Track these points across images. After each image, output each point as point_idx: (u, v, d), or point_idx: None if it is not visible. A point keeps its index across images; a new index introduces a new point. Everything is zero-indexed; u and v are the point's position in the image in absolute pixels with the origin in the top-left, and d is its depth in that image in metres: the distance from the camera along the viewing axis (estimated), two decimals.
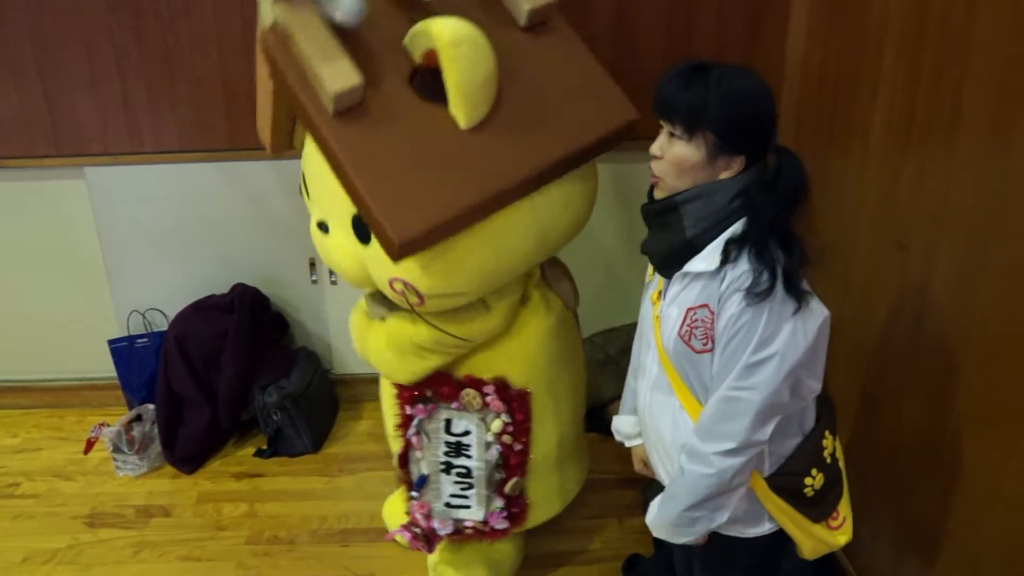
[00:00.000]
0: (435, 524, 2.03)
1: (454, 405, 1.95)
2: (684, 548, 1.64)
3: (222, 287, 2.82)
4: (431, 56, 1.63)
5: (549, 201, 1.76)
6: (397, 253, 1.58)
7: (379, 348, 1.94)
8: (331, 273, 2.85)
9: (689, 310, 1.38)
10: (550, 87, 1.76)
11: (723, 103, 1.30)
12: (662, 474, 1.57)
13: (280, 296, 2.90)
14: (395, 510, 2.37)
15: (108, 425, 2.67)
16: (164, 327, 2.82)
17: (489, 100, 1.67)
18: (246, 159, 2.69)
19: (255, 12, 2.50)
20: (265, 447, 2.77)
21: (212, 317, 2.73)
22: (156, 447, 2.71)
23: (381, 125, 1.64)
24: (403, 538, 2.07)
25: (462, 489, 2.02)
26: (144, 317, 2.88)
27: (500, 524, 2.03)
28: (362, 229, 1.71)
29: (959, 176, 1.54)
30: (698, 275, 1.37)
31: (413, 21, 1.68)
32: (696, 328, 1.38)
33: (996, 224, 1.44)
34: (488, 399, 1.93)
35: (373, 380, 2.98)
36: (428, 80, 1.66)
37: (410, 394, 1.96)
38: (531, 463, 2.01)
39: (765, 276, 1.30)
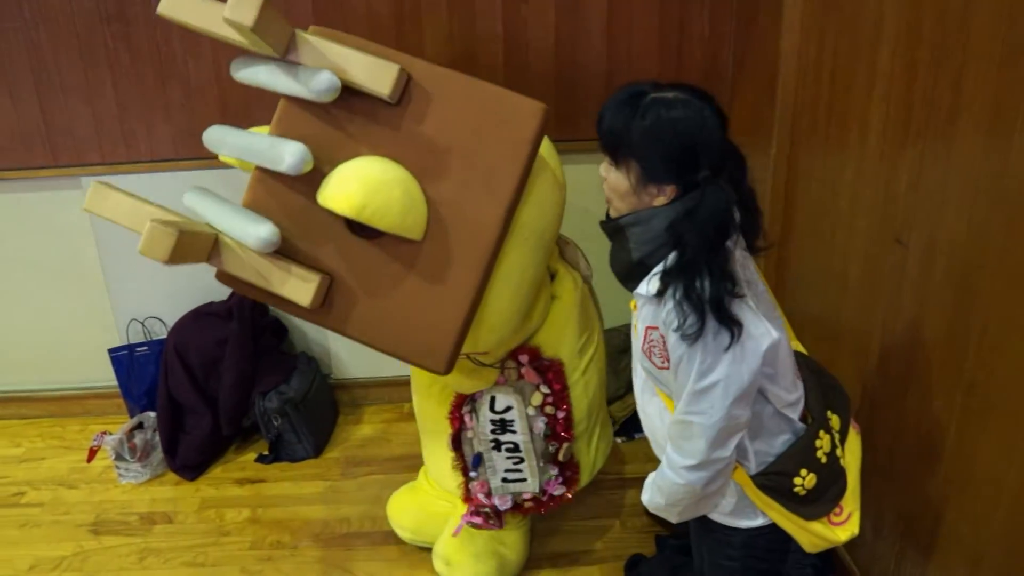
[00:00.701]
0: (496, 501, 2.08)
1: (498, 380, 2.00)
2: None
3: (221, 294, 2.82)
4: None
5: (529, 215, 1.78)
6: (447, 372, 1.71)
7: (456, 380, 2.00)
8: None
9: (648, 328, 1.42)
10: (458, 138, 1.69)
11: (644, 134, 1.32)
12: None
13: None
14: (401, 507, 2.37)
15: (110, 433, 2.68)
16: (163, 335, 2.82)
17: (421, 214, 1.67)
18: None
19: None
20: (266, 453, 2.78)
21: (211, 324, 2.74)
22: (158, 454, 2.72)
23: (358, 291, 1.72)
24: (473, 523, 2.12)
25: (515, 464, 2.07)
26: (143, 325, 2.88)
27: (558, 490, 2.09)
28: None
29: (958, 170, 1.53)
30: (648, 297, 1.40)
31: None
32: (654, 347, 1.42)
33: (996, 218, 1.43)
34: (523, 370, 1.98)
35: (373, 384, 3.01)
36: None
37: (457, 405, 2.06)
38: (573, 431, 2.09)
39: (692, 318, 1.30)
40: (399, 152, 1.69)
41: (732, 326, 1.31)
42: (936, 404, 1.64)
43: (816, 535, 1.51)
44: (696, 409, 1.36)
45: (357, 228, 1.71)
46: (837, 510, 1.51)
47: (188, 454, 2.71)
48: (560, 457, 2.06)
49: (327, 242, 1.72)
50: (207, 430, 2.71)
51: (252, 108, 2.63)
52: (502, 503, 2.10)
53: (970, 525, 1.56)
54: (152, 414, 2.76)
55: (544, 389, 2.00)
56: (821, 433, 1.49)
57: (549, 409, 2.02)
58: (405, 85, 1.69)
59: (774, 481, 1.45)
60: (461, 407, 2.05)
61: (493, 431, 2.05)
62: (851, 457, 1.58)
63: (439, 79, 1.70)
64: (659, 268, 1.38)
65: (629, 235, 1.40)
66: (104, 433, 2.68)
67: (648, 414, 1.58)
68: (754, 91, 2.46)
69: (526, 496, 2.10)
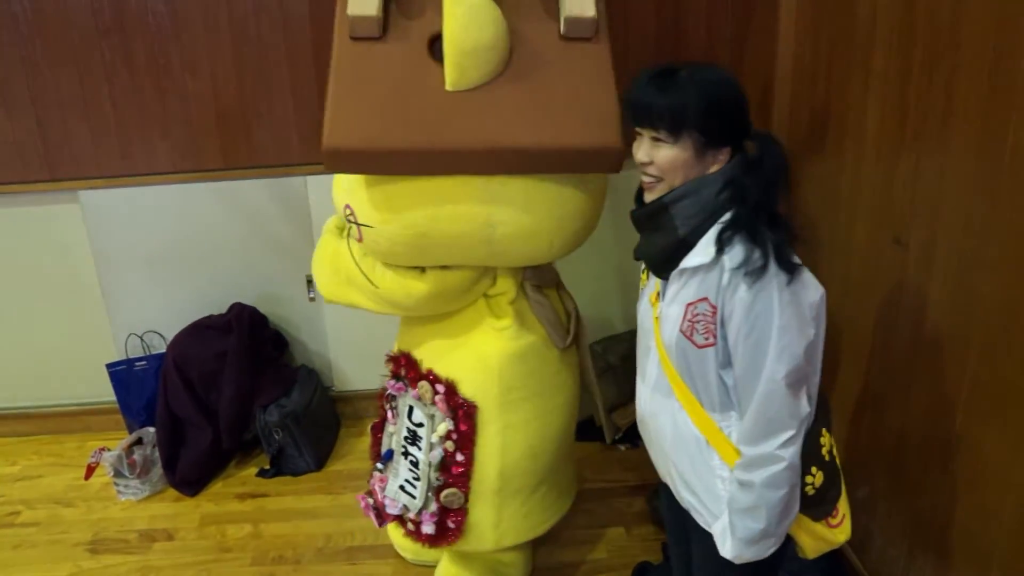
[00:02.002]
0: (386, 502, 2.03)
1: (413, 393, 1.97)
2: (682, 547, 1.65)
3: (220, 307, 2.81)
4: None
5: (507, 196, 1.71)
6: (324, 157, 1.64)
7: (323, 256, 1.99)
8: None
9: (688, 305, 1.39)
10: (553, 91, 1.73)
11: (701, 100, 1.34)
12: (663, 474, 1.58)
13: (278, 314, 2.89)
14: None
15: (108, 450, 2.65)
16: (162, 349, 2.81)
17: (477, 69, 1.67)
18: (240, 178, 2.69)
19: (244, 30, 2.53)
20: (268, 467, 2.76)
21: (211, 338, 2.72)
22: (158, 470, 2.70)
23: (381, 59, 1.71)
24: (363, 503, 2.10)
25: (413, 478, 2.00)
26: (142, 340, 2.87)
27: (427, 527, 2.00)
28: None
29: (954, 169, 1.54)
30: (695, 270, 1.38)
31: None
32: (697, 323, 1.38)
33: (993, 216, 1.44)
34: (437, 399, 1.92)
35: (374, 396, 2.98)
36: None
37: (395, 369, 2.02)
38: (471, 483, 1.97)
39: (757, 254, 1.31)
40: (519, 53, 1.74)
41: (790, 268, 1.32)
42: (940, 403, 1.64)
43: (820, 538, 1.50)
44: (781, 365, 1.32)
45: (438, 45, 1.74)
46: (834, 511, 1.50)
47: (188, 469, 2.68)
48: (442, 498, 1.97)
49: (409, 33, 1.77)
50: (207, 445, 2.68)
51: (250, 123, 2.64)
52: (391, 507, 2.03)
53: (979, 523, 1.55)
54: (151, 429, 2.73)
55: (449, 424, 1.92)
56: (824, 431, 1.48)
57: (450, 445, 1.93)
58: (581, 38, 1.80)
59: None
60: (384, 397, 2.06)
61: (406, 438, 2.01)
62: (837, 459, 1.57)
63: (597, 58, 1.79)
64: (707, 238, 1.37)
65: (674, 212, 1.38)
66: (103, 449, 2.65)
67: (657, 419, 1.52)
68: (751, 95, 2.46)
69: (411, 514, 2.02)
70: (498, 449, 1.94)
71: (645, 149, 1.40)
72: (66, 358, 2.94)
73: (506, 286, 1.93)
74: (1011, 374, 1.42)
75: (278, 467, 2.74)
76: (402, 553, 2.34)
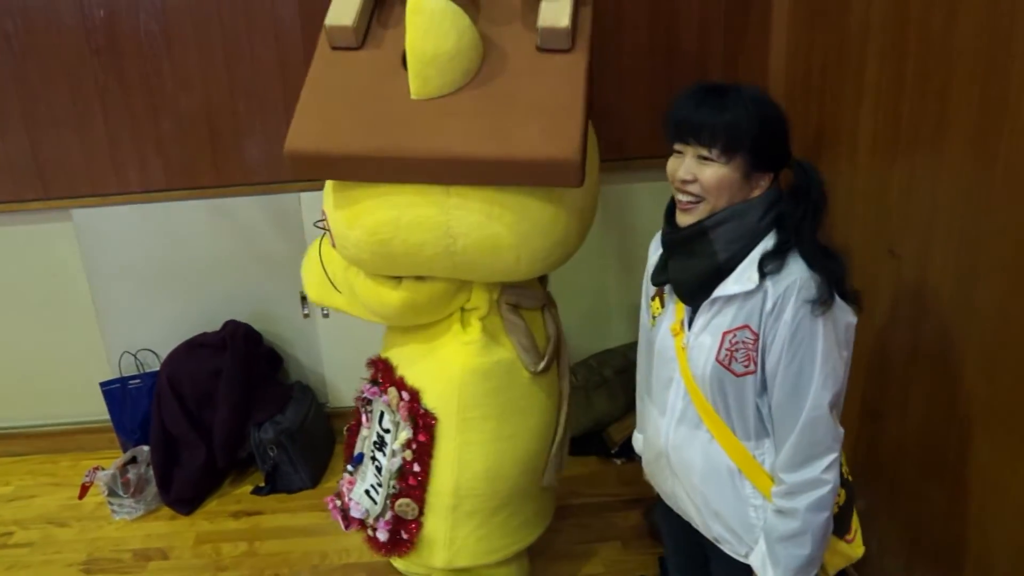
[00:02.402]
0: (352, 504, 2.04)
1: (384, 399, 1.98)
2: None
3: (214, 325, 2.80)
4: None
5: (466, 207, 1.68)
6: (286, 160, 1.69)
7: (312, 258, 2.02)
8: (323, 307, 2.83)
9: (726, 334, 1.36)
10: (516, 102, 1.69)
11: (756, 121, 1.32)
12: (689, 508, 1.52)
13: (272, 331, 2.88)
14: None
15: (103, 469, 2.64)
16: (156, 367, 2.79)
17: (440, 77, 1.66)
18: (233, 195, 2.69)
19: (237, 49, 2.54)
20: (263, 484, 2.74)
21: (204, 355, 2.71)
22: (152, 489, 2.68)
23: (354, 68, 1.74)
24: (330, 506, 2.11)
25: (376, 484, 2.00)
26: (136, 358, 2.86)
27: (381, 535, 2.00)
28: None
29: (948, 180, 1.55)
30: (731, 298, 1.35)
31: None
32: (737, 351, 1.36)
33: (987, 226, 1.44)
34: (401, 406, 1.93)
35: None
36: None
37: (373, 373, 2.03)
38: (426, 496, 1.96)
39: (824, 285, 1.30)
40: (489, 63, 1.76)
41: (847, 296, 1.34)
42: (937, 413, 1.64)
43: (840, 554, 1.49)
44: (826, 392, 1.32)
45: None
46: (849, 527, 1.50)
47: (183, 488, 2.67)
48: (396, 507, 1.97)
49: (384, 43, 1.81)
50: (202, 463, 2.67)
51: (243, 140, 2.64)
52: (355, 510, 2.02)
53: (977, 533, 1.55)
54: (146, 448, 2.72)
55: (409, 433, 1.92)
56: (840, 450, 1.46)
57: (408, 455, 1.93)
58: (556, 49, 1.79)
59: None
60: (360, 401, 2.08)
61: (375, 443, 2.02)
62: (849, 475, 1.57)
63: (570, 69, 1.77)
64: (744, 264, 1.35)
65: (715, 236, 1.35)
66: (96, 468, 2.64)
67: (683, 452, 1.48)
68: None
69: (370, 520, 2.03)
70: (454, 465, 1.92)
71: (688, 167, 1.36)
72: (59, 377, 2.93)
73: (479, 301, 1.91)
74: (1007, 384, 1.42)
75: (273, 484, 2.73)
76: (395, 564, 2.32)
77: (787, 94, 2.33)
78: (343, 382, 2.96)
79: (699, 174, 1.34)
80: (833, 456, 1.34)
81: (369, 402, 2.05)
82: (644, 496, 2.55)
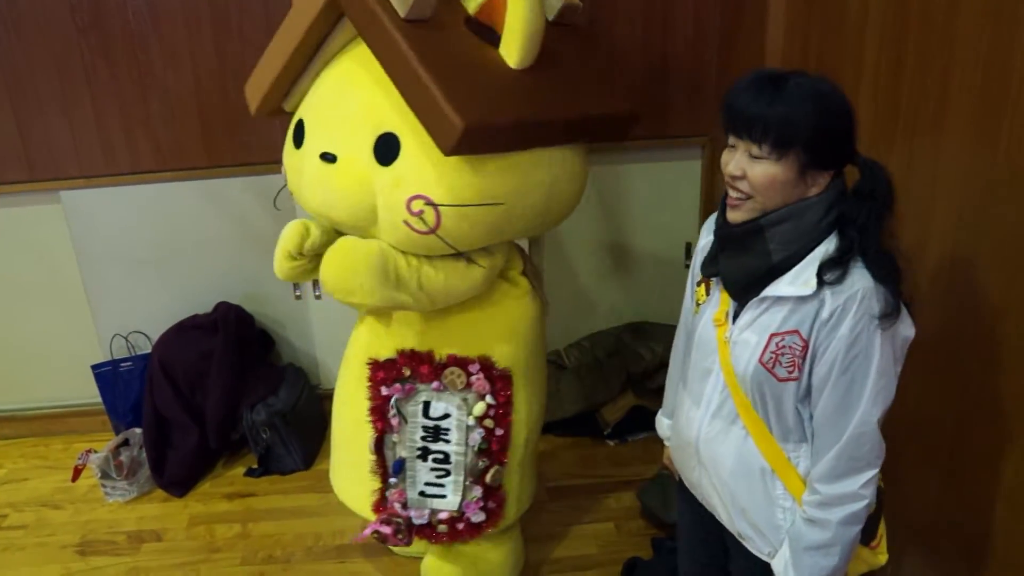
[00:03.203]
0: (412, 513, 1.98)
1: (434, 386, 1.92)
2: (713, 569, 1.62)
3: (205, 306, 2.78)
4: (486, 9, 1.73)
5: (564, 164, 1.82)
6: (458, 139, 1.57)
7: (361, 260, 1.75)
8: (315, 288, 2.82)
9: (773, 336, 1.30)
10: (570, 67, 1.84)
11: (813, 116, 1.22)
12: (715, 500, 1.48)
13: (264, 313, 2.87)
14: None
15: (95, 451, 2.63)
16: (148, 350, 2.78)
17: (537, 49, 1.71)
18: (224, 176, 2.67)
19: (226, 26, 2.50)
20: (256, 466, 2.74)
21: (196, 337, 2.70)
22: (145, 471, 2.68)
23: (444, 40, 1.71)
24: (380, 533, 1.98)
25: (438, 477, 1.97)
26: (127, 341, 2.84)
27: (476, 516, 1.98)
28: (387, 149, 1.71)
29: (948, 165, 1.54)
30: (782, 299, 1.29)
31: None
32: (783, 355, 1.30)
33: (987, 210, 1.43)
34: (473, 379, 1.90)
35: None
36: (476, 30, 1.76)
37: (387, 375, 1.93)
38: (507, 456, 1.98)
39: (890, 298, 1.23)
40: None
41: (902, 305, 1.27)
42: (933, 399, 1.64)
43: (863, 560, 1.47)
44: (876, 408, 1.28)
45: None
46: (876, 534, 1.47)
47: (176, 470, 2.67)
48: (488, 479, 1.96)
49: (443, 17, 1.78)
50: (194, 445, 2.67)
51: (232, 119, 2.61)
52: (418, 516, 1.97)
53: (972, 518, 1.56)
54: (138, 430, 2.71)
55: (490, 400, 1.91)
56: None
57: (489, 422, 1.92)
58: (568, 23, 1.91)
59: None
60: (384, 408, 1.94)
61: (424, 438, 1.95)
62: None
63: (585, 40, 1.98)
64: (800, 267, 1.27)
65: (770, 235, 1.28)
66: (89, 451, 2.63)
67: (715, 446, 1.43)
68: None
69: (442, 516, 1.98)
70: (525, 417, 2.00)
71: (738, 161, 1.27)
72: (50, 360, 2.91)
73: (516, 259, 2.01)
74: (1006, 370, 1.42)
75: (266, 466, 2.73)
76: (396, 549, 2.33)
77: None
78: (335, 364, 2.93)
79: (749, 171, 1.26)
80: (873, 472, 1.30)
81: (399, 404, 1.95)
82: (637, 477, 2.56)
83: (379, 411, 1.95)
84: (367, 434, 1.99)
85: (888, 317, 1.23)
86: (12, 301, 2.83)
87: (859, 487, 1.30)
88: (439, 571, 2.15)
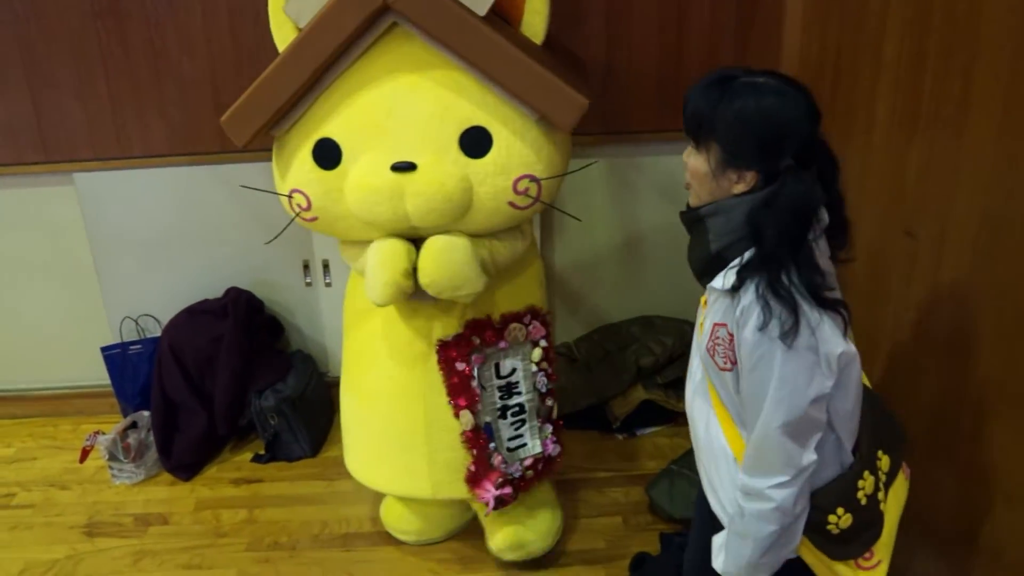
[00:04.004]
0: (514, 468, 2.08)
1: (501, 345, 2.02)
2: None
3: (215, 291, 2.78)
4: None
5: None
6: (577, 117, 1.75)
7: (461, 254, 1.84)
8: (325, 274, 2.82)
9: (715, 325, 1.36)
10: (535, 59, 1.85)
11: (730, 115, 1.27)
12: (702, 476, 1.52)
13: (274, 299, 2.87)
14: (395, 513, 2.34)
15: (103, 433, 2.64)
16: (157, 333, 2.78)
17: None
18: (237, 161, 2.65)
19: (242, 12, 2.49)
20: (263, 452, 2.74)
21: (206, 322, 2.70)
22: (152, 455, 2.68)
23: (505, 30, 1.80)
24: (504, 496, 2.06)
25: (516, 429, 2.09)
26: (137, 323, 2.84)
27: (554, 450, 2.12)
28: (475, 143, 1.79)
29: (970, 159, 1.51)
30: (719, 291, 1.34)
31: None
32: (718, 346, 1.35)
33: (1011, 205, 1.41)
34: (530, 328, 2.04)
35: None
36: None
37: (459, 352, 1.98)
38: None
39: (783, 314, 1.24)
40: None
41: (838, 307, 1.30)
42: (950, 397, 1.62)
43: (837, 575, 1.45)
44: (778, 415, 1.28)
45: None
46: (867, 555, 1.45)
47: (183, 454, 2.67)
48: (554, 414, 2.12)
49: None
50: (202, 429, 2.67)
51: None
52: (516, 468, 2.08)
53: (988, 518, 1.54)
54: (146, 413, 2.72)
55: (543, 343, 2.06)
56: (866, 474, 1.42)
57: (545, 364, 2.07)
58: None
59: (809, 514, 1.38)
60: (464, 384, 1.99)
61: (501, 397, 2.05)
62: (893, 503, 1.52)
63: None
64: (736, 262, 1.31)
65: (709, 226, 1.33)
66: (97, 433, 2.64)
67: (694, 420, 1.50)
68: None
69: (527, 462, 2.09)
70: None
71: (687, 151, 1.37)
72: (61, 341, 2.92)
73: None
74: (1021, 370, 1.40)
75: (273, 453, 2.73)
76: (404, 538, 2.34)
77: (801, 70, 2.29)
78: None
79: (687, 161, 1.37)
80: (781, 479, 1.31)
81: (471, 376, 2.00)
82: (646, 472, 2.55)
83: (459, 388, 2.00)
84: (381, 412, 2.10)
85: (786, 336, 1.24)
86: (24, 281, 2.84)
87: (766, 487, 1.32)
88: (521, 534, 2.19)
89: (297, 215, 1.95)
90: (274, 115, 1.85)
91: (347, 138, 1.83)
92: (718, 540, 1.44)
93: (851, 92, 1.98)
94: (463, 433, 2.02)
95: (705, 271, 1.37)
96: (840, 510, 1.38)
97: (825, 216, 1.34)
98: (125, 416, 2.78)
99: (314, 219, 1.93)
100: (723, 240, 1.32)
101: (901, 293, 1.77)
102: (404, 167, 1.77)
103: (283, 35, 1.89)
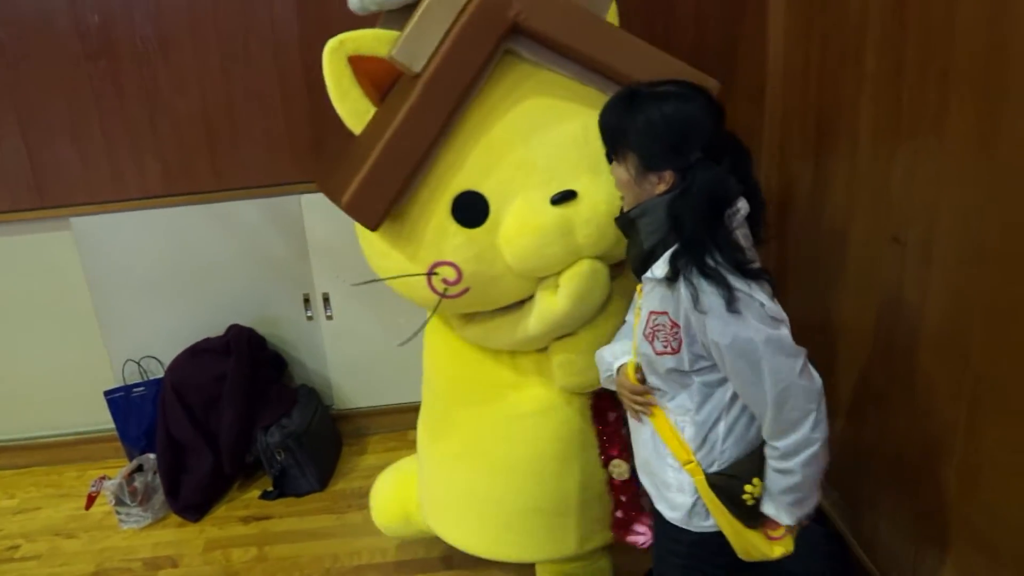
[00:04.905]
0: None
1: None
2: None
3: (217, 329, 2.78)
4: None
5: None
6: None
7: (602, 278, 1.72)
8: (326, 307, 2.82)
9: (652, 314, 1.46)
10: None
11: (638, 125, 1.40)
12: (646, 481, 1.63)
13: (276, 335, 2.87)
14: (400, 495, 2.27)
15: (109, 478, 2.62)
16: (160, 374, 2.78)
17: None
18: (233, 199, 2.68)
19: (233, 51, 2.52)
20: (271, 488, 2.73)
21: (208, 361, 2.70)
22: (159, 497, 2.66)
23: None
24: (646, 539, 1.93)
25: None
26: (139, 365, 2.84)
27: None
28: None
29: (950, 165, 1.55)
30: (656, 280, 1.44)
31: None
32: (658, 332, 1.45)
33: (991, 210, 1.44)
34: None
35: (375, 413, 2.98)
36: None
37: (607, 401, 1.85)
38: None
39: (720, 289, 1.35)
40: None
41: (763, 276, 1.39)
42: (943, 398, 1.64)
43: (751, 544, 1.52)
44: (781, 367, 1.37)
45: None
46: (773, 524, 1.51)
47: (190, 494, 2.65)
48: None
49: None
50: (209, 469, 2.66)
51: (240, 142, 2.63)
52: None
53: (985, 517, 1.55)
54: (152, 456, 2.70)
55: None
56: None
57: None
58: None
59: (726, 483, 1.48)
60: (617, 430, 1.86)
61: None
62: None
63: None
64: (667, 254, 1.42)
65: (640, 227, 1.45)
66: (103, 478, 2.62)
67: (641, 439, 1.60)
68: (742, 101, 2.48)
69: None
70: None
71: (613, 164, 1.49)
72: (63, 386, 2.91)
73: None
74: (1013, 368, 1.42)
75: (281, 488, 2.72)
76: (391, 533, 2.31)
77: (785, 84, 2.33)
78: (348, 384, 2.95)
79: (613, 172, 1.49)
80: (813, 415, 1.39)
81: (620, 421, 1.89)
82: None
83: (613, 436, 1.87)
84: (523, 485, 1.90)
85: (739, 309, 1.34)
86: (24, 328, 2.83)
87: (808, 432, 1.40)
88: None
89: (443, 294, 1.67)
90: (406, 181, 1.61)
91: (491, 184, 1.62)
92: (770, 511, 1.48)
93: (835, 103, 2.01)
94: (613, 481, 1.89)
95: (643, 268, 1.48)
96: (756, 480, 1.48)
97: (744, 205, 1.43)
98: (131, 459, 2.76)
99: (464, 291, 1.67)
100: (653, 237, 1.43)
101: (892, 297, 1.79)
102: (565, 196, 1.61)
103: (351, 107, 1.71)
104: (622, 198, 1.52)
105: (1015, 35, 1.33)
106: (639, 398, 1.55)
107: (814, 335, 2.08)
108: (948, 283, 1.59)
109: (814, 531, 2.14)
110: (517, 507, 1.93)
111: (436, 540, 2.15)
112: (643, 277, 1.49)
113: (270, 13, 2.50)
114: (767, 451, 1.46)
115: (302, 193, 2.67)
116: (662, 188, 1.42)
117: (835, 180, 2.03)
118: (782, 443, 1.41)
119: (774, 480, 1.46)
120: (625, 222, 1.49)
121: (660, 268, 1.42)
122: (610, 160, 1.48)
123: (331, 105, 1.74)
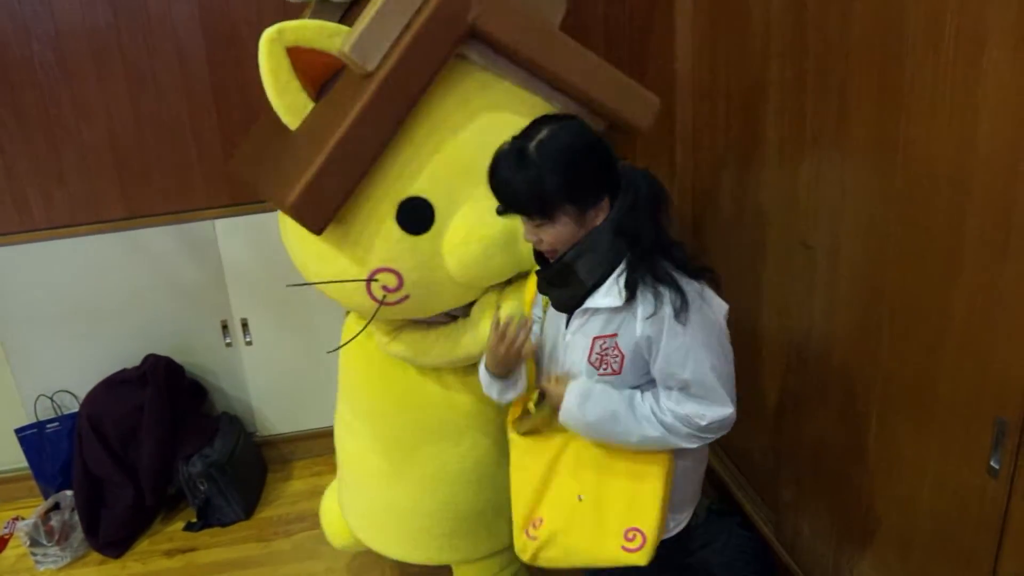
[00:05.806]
0: None
1: None
2: None
3: (133, 360, 2.71)
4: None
5: None
6: (653, 117, 1.75)
7: None
8: (245, 333, 2.78)
9: (596, 339, 1.45)
10: None
11: (561, 176, 1.34)
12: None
13: (195, 363, 2.81)
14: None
15: (23, 518, 2.53)
16: (75, 409, 2.69)
17: None
18: (144, 226, 2.62)
19: (139, 75, 2.47)
20: (195, 519, 2.67)
21: (125, 392, 2.63)
22: (78, 535, 2.58)
23: None
24: None
25: None
26: (52, 400, 2.75)
27: None
28: None
29: (853, 171, 1.60)
30: (598, 309, 1.43)
31: None
32: (606, 355, 1.44)
33: (891, 214, 1.49)
34: None
35: (299, 438, 2.94)
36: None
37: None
38: None
39: (675, 295, 1.36)
40: None
41: (707, 273, 1.42)
42: (856, 399, 1.69)
43: (613, 558, 1.52)
44: (720, 396, 1.41)
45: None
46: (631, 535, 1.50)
47: (111, 530, 2.58)
48: None
49: None
50: (129, 502, 2.59)
51: (151, 169, 2.57)
52: None
53: (898, 511, 1.61)
54: (69, 493, 2.62)
55: None
56: None
57: None
58: None
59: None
60: None
61: None
62: None
63: None
64: (613, 277, 1.41)
65: (578, 268, 1.41)
66: (16, 519, 2.54)
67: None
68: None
69: None
70: None
71: (527, 231, 1.42)
72: None
73: None
74: (919, 365, 1.47)
75: (205, 519, 2.66)
76: (337, 541, 2.27)
77: (694, 99, 2.37)
78: (270, 410, 2.91)
79: (541, 235, 1.40)
80: (699, 440, 1.45)
81: None
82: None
83: None
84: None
85: (682, 313, 1.36)
86: None
87: (675, 439, 1.44)
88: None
89: (382, 301, 1.63)
90: (355, 183, 1.55)
91: (438, 192, 1.60)
92: (582, 387, 1.47)
93: (743, 115, 2.07)
94: None
95: (579, 304, 1.45)
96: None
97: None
98: (46, 498, 2.67)
99: (404, 299, 1.64)
100: (596, 272, 1.41)
101: (805, 302, 1.84)
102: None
103: (290, 101, 1.62)
104: (547, 253, 1.45)
105: (906, 44, 1.38)
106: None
107: (735, 342, 2.14)
108: (855, 286, 1.65)
109: (739, 535, 2.20)
110: (461, 512, 1.95)
111: (370, 564, 2.13)
112: (586, 307, 1.44)
113: (174, 34, 2.45)
114: (643, 388, 1.46)
115: (216, 218, 2.62)
116: (602, 216, 1.39)
117: (747, 188, 2.08)
118: (655, 410, 1.42)
119: (605, 394, 1.44)
120: (560, 270, 1.42)
121: (605, 296, 1.41)
122: (540, 223, 1.38)
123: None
